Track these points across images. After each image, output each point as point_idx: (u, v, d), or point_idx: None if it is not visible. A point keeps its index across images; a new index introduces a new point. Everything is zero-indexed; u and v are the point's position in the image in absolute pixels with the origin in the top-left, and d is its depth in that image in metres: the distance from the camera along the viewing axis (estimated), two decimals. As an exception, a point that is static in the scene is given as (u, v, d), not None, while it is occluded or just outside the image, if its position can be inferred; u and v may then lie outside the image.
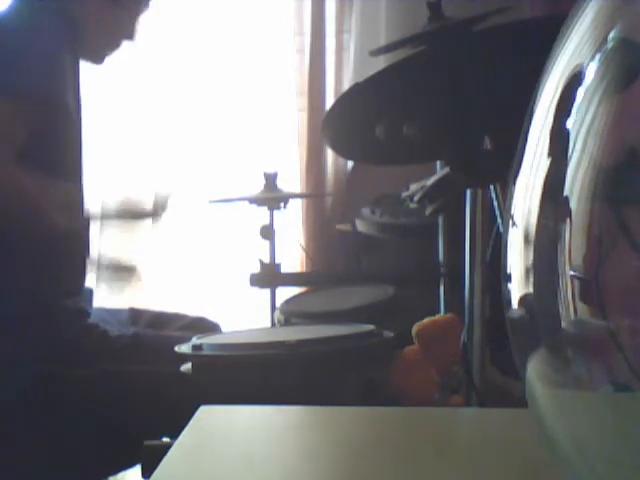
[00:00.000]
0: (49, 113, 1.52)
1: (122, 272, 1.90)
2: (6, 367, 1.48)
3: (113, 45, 1.72)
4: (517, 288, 0.34)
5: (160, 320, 1.82)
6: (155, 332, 1.70)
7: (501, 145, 1.33)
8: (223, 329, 1.83)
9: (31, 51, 1.50)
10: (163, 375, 1.36)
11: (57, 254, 1.60)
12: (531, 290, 0.33)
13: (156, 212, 1.86)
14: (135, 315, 1.84)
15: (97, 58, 1.71)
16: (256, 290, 2.08)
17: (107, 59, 1.73)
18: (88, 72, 1.74)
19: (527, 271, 0.33)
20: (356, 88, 1.38)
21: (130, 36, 1.72)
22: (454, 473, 0.60)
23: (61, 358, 1.51)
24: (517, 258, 0.34)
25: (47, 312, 1.56)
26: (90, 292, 1.73)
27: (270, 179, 2.21)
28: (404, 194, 1.80)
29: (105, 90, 2.63)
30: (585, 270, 0.30)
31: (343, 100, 1.44)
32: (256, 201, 2.22)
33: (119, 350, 1.58)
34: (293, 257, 2.80)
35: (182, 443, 0.67)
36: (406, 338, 1.43)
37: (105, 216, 1.87)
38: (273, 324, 1.97)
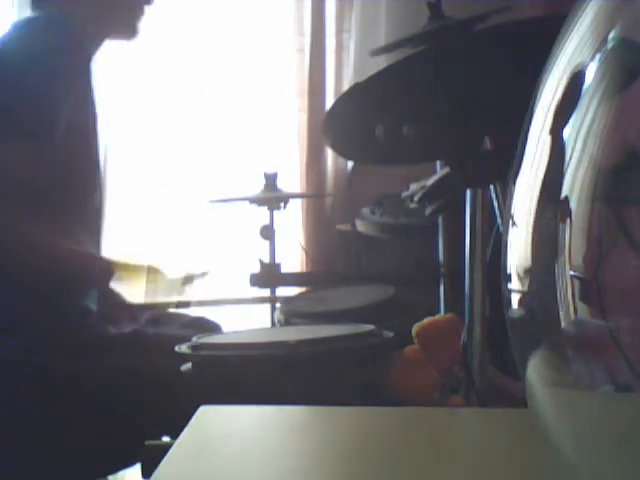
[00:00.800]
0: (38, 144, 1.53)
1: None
2: (8, 364, 1.48)
3: (139, 12, 1.73)
4: (517, 288, 0.34)
5: (160, 319, 1.82)
6: (155, 330, 1.69)
7: (501, 145, 1.33)
8: (223, 329, 1.83)
9: (23, 86, 1.50)
10: (163, 373, 1.35)
11: (66, 255, 1.60)
12: (531, 290, 0.33)
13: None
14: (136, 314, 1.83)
15: (130, 32, 1.73)
16: (256, 290, 2.08)
17: (139, 31, 1.74)
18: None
19: (527, 271, 0.33)
20: (356, 88, 1.38)
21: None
22: (454, 473, 0.60)
23: (63, 356, 1.51)
24: (517, 258, 0.34)
25: (51, 311, 1.56)
26: (97, 291, 1.72)
27: (270, 179, 2.21)
28: (404, 194, 1.80)
29: (106, 90, 2.63)
30: (585, 270, 0.30)
31: (343, 100, 1.44)
32: (256, 201, 2.23)
33: (119, 347, 1.58)
34: (293, 257, 2.80)
35: (182, 443, 0.67)
36: (406, 338, 1.43)
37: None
38: (273, 324, 1.97)
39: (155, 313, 1.86)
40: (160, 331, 1.70)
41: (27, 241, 1.52)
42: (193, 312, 1.97)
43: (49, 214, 1.56)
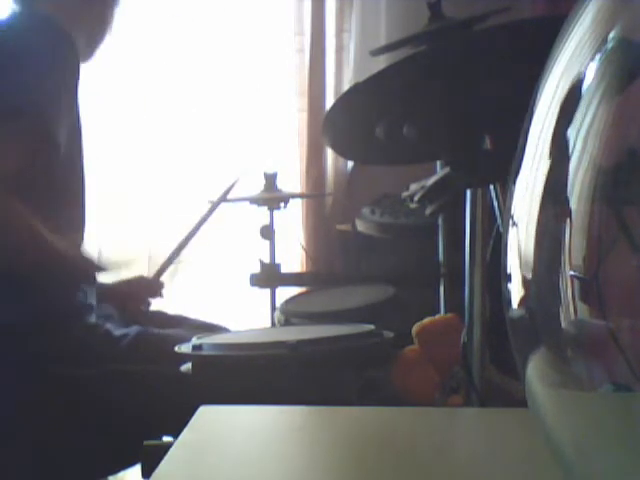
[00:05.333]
0: (41, 142, 1.52)
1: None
2: (7, 366, 1.48)
3: (100, 40, 1.72)
4: (517, 288, 0.34)
5: (164, 323, 1.82)
6: (159, 330, 1.69)
7: (501, 145, 1.33)
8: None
9: (26, 72, 1.49)
10: (166, 375, 1.35)
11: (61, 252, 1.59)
12: (531, 290, 0.33)
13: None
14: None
15: (86, 56, 1.72)
16: (256, 290, 2.08)
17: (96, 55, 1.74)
18: (88, 72, 1.73)
19: (527, 271, 0.33)
20: (356, 88, 1.38)
21: (109, 26, 1.73)
22: (454, 473, 0.60)
23: (63, 357, 1.51)
24: (517, 258, 0.34)
25: (49, 310, 1.56)
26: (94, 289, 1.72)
27: (270, 179, 2.21)
28: (404, 194, 1.80)
29: (106, 91, 2.64)
30: (585, 270, 0.30)
31: (343, 100, 1.44)
32: (256, 201, 2.23)
33: (123, 350, 1.57)
34: (293, 257, 2.80)
35: (182, 443, 0.67)
36: (406, 338, 1.43)
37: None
38: (273, 324, 1.97)
39: (162, 317, 1.86)
40: (164, 331, 1.69)
41: (32, 233, 1.51)
42: (195, 311, 1.97)
43: (46, 211, 1.56)
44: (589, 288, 0.30)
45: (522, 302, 0.34)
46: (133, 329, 1.65)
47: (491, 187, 1.48)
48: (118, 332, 1.62)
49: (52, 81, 1.52)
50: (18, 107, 1.48)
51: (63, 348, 1.53)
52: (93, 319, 1.62)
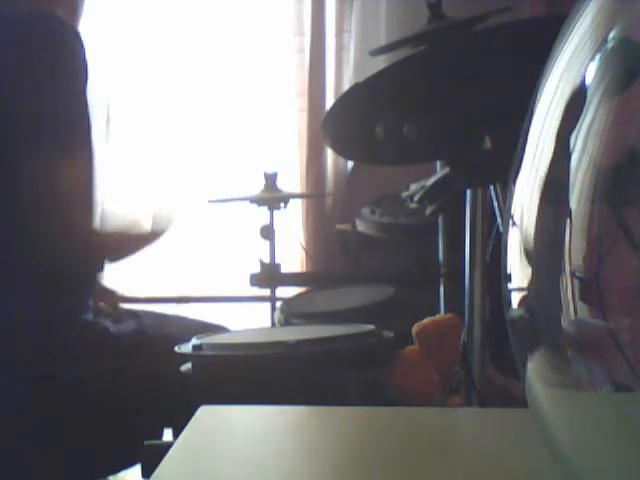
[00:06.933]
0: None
1: None
2: (5, 366, 1.48)
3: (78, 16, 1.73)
4: (517, 288, 0.34)
5: (162, 322, 1.81)
6: (157, 330, 1.68)
7: (501, 145, 1.33)
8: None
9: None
10: (165, 374, 1.35)
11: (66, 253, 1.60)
12: (531, 290, 0.33)
13: (155, 234, 1.86)
14: (137, 317, 1.83)
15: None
16: (256, 290, 2.08)
17: None
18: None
19: (527, 271, 0.33)
20: (356, 88, 1.38)
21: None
22: (454, 473, 0.60)
23: (60, 356, 1.51)
24: (517, 258, 0.34)
25: (46, 308, 1.55)
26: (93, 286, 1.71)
27: (270, 179, 2.21)
28: (404, 194, 1.80)
29: (107, 91, 2.64)
30: (585, 270, 0.30)
31: (343, 100, 1.44)
32: (256, 201, 2.23)
33: (121, 348, 1.57)
34: (293, 257, 2.80)
35: (182, 443, 0.67)
36: (406, 338, 1.43)
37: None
38: (273, 324, 1.97)
39: (158, 316, 1.86)
40: (162, 331, 1.69)
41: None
42: (195, 311, 1.96)
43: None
44: (589, 288, 0.30)
45: (522, 302, 0.34)
46: (130, 327, 1.64)
47: (491, 187, 1.48)
48: (115, 330, 1.61)
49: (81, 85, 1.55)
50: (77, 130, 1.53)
51: (61, 345, 1.52)
52: (90, 316, 1.62)
